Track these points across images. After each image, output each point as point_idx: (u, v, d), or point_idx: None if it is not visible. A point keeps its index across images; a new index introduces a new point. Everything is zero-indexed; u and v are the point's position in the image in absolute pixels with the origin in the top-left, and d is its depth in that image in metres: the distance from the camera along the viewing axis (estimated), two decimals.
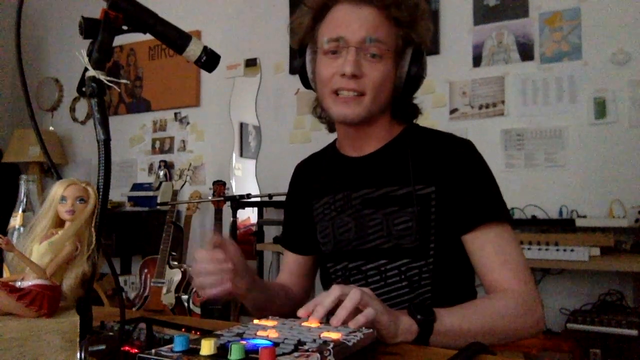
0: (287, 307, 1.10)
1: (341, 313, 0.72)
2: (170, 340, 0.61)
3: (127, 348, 0.72)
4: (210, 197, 3.20)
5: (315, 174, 1.18)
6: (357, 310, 0.74)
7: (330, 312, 0.75)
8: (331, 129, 1.15)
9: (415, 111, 1.10)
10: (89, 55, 0.63)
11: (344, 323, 0.72)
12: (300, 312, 0.75)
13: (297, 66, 1.08)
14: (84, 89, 0.62)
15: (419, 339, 0.80)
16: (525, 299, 0.92)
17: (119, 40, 0.65)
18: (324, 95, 1.03)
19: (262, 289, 1.04)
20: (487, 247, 0.96)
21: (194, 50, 0.72)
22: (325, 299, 0.75)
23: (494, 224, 0.97)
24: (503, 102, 2.84)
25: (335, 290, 0.76)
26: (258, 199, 3.12)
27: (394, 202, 1.02)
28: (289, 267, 1.23)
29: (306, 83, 1.08)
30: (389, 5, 0.98)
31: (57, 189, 0.63)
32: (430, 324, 0.81)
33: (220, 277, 0.91)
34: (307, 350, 0.56)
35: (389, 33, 0.98)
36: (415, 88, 1.05)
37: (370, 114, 1.01)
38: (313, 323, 0.71)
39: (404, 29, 1.00)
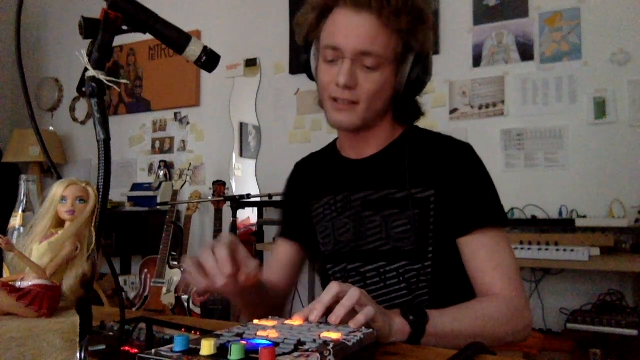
0: (274, 306, 1.11)
1: (340, 311, 0.72)
2: (170, 340, 0.61)
3: (127, 348, 0.72)
4: (210, 197, 3.20)
5: (315, 174, 1.18)
6: (353, 310, 0.74)
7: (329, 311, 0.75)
8: None
9: (418, 112, 1.10)
10: (89, 55, 0.63)
11: (342, 322, 0.72)
12: (296, 318, 0.75)
13: (302, 61, 1.08)
14: (84, 89, 0.62)
15: (411, 339, 0.81)
16: (516, 304, 0.94)
17: (119, 40, 0.65)
18: (323, 99, 1.04)
19: (260, 294, 1.03)
20: (480, 251, 0.97)
21: (194, 50, 0.72)
22: (323, 296, 0.75)
23: (488, 228, 0.98)
24: (503, 102, 2.85)
25: (334, 287, 0.76)
26: (258, 199, 3.12)
27: (393, 204, 1.02)
28: (280, 258, 1.20)
29: (311, 76, 1.09)
30: (389, 14, 0.96)
31: (57, 189, 0.62)
32: (423, 325, 0.82)
33: (215, 277, 0.85)
34: (307, 350, 0.56)
35: (387, 43, 0.97)
36: (417, 91, 1.05)
37: (365, 121, 1.01)
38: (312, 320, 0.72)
39: (404, 37, 0.99)
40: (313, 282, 2.81)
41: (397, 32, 0.98)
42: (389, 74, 0.99)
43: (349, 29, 0.97)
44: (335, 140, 1.18)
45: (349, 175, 1.09)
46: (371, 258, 1.03)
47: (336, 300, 0.75)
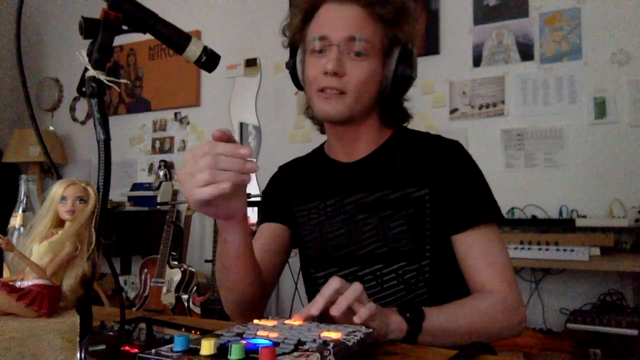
0: (255, 289, 0.98)
1: (342, 302, 0.72)
2: (170, 340, 0.61)
3: (127, 348, 0.72)
4: None
5: (300, 178, 1.16)
6: (351, 312, 0.74)
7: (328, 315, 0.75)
8: (323, 130, 1.15)
9: (404, 115, 1.10)
10: (89, 55, 0.63)
11: (342, 322, 0.72)
12: (296, 318, 0.74)
13: (289, 67, 1.08)
14: (84, 89, 0.62)
15: (408, 337, 0.81)
16: (510, 300, 0.95)
17: (119, 40, 0.65)
18: (311, 94, 1.03)
19: (250, 244, 0.91)
20: (474, 249, 0.97)
21: (193, 50, 0.72)
22: (324, 290, 0.75)
23: (482, 225, 0.98)
24: (503, 102, 2.85)
25: (335, 281, 0.76)
26: (258, 199, 3.12)
27: (388, 205, 1.02)
28: (264, 242, 1.10)
29: (297, 84, 1.09)
30: (373, 3, 0.98)
31: (57, 189, 0.62)
32: (419, 322, 0.82)
33: (231, 175, 0.71)
34: (307, 350, 0.56)
35: (373, 31, 0.98)
36: (403, 89, 1.04)
37: (353, 112, 1.00)
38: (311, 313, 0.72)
39: (389, 28, 1.00)
40: None
41: (383, 23, 0.99)
42: (376, 65, 0.99)
43: (336, 19, 0.98)
44: (322, 145, 1.18)
45: (341, 179, 1.08)
46: (368, 261, 1.03)
47: (335, 298, 0.75)
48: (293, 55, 1.07)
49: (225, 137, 0.74)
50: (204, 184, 0.71)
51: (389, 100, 1.05)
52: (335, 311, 0.71)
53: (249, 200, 3.22)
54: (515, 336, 0.97)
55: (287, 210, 1.14)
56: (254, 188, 3.41)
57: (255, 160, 0.72)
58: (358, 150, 1.08)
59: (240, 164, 0.71)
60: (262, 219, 1.18)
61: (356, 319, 0.71)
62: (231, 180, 0.71)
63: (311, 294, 1.13)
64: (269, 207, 1.19)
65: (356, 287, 0.75)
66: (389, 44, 1.01)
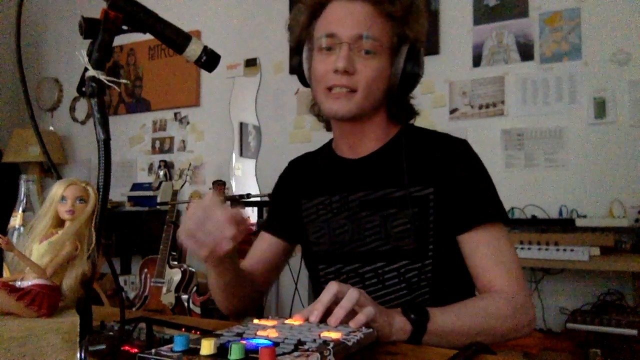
0: (249, 297, 1.10)
1: (339, 312, 0.72)
2: (170, 340, 0.61)
3: (127, 348, 0.72)
4: None
5: (308, 173, 1.17)
6: (352, 310, 0.74)
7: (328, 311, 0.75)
8: (328, 127, 1.15)
9: (412, 112, 1.10)
10: (89, 55, 0.63)
11: (341, 322, 0.72)
12: (296, 318, 0.74)
13: (295, 64, 1.08)
14: (84, 89, 0.62)
15: (412, 338, 0.81)
16: (518, 300, 0.93)
17: (119, 40, 0.65)
18: (318, 92, 1.03)
19: (236, 263, 1.01)
20: (481, 248, 0.96)
21: (194, 50, 0.72)
22: (323, 296, 0.75)
23: (488, 224, 0.97)
24: (503, 102, 2.85)
25: (333, 287, 0.76)
26: (258, 199, 3.12)
27: (392, 204, 1.02)
28: (262, 251, 1.18)
29: (303, 81, 1.08)
30: (382, 1, 0.98)
31: (57, 189, 0.63)
32: (424, 323, 0.82)
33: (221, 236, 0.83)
34: (307, 350, 0.56)
35: (382, 29, 0.98)
36: (411, 86, 1.04)
37: (361, 110, 1.00)
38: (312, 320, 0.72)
39: (398, 25, 1.00)
40: None
41: (392, 20, 0.99)
42: (385, 63, 0.99)
43: (345, 16, 0.98)
44: (331, 140, 1.18)
45: (346, 175, 1.08)
46: (370, 258, 1.03)
47: (335, 300, 0.75)
48: (299, 52, 1.06)
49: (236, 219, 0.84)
50: (188, 234, 0.84)
51: (396, 97, 1.05)
52: (333, 322, 0.71)
53: (248, 200, 3.21)
54: (525, 337, 0.95)
55: (291, 216, 1.16)
56: (254, 188, 3.41)
57: (231, 242, 0.85)
58: (364, 147, 1.08)
59: (219, 233, 0.83)
60: (266, 224, 1.22)
61: (352, 324, 0.70)
62: (208, 247, 0.84)
63: (318, 291, 1.13)
64: (274, 214, 1.23)
65: (353, 295, 0.74)
66: (397, 41, 1.00)
